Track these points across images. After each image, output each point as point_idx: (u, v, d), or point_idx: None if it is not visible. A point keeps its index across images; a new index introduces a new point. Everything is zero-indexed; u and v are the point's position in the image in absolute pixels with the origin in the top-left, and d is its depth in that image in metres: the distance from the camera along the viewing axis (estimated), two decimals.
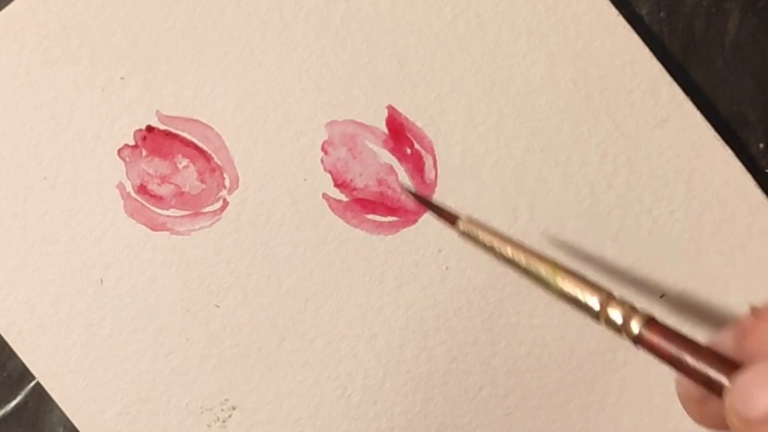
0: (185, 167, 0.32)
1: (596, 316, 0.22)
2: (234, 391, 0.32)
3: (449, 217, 0.26)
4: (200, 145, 0.32)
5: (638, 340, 0.21)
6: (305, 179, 0.32)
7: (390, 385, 0.32)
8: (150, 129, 0.32)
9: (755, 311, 0.20)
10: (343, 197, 0.32)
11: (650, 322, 0.21)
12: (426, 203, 0.29)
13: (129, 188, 0.32)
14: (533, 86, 0.32)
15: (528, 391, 0.32)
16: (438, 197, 0.32)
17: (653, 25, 0.32)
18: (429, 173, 0.32)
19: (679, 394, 0.19)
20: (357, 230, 0.32)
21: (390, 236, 0.32)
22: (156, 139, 0.32)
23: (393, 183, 0.32)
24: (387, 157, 0.32)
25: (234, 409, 0.32)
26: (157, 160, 0.32)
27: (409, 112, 0.32)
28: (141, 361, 0.31)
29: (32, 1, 0.31)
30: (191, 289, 0.31)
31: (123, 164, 0.32)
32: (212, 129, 0.32)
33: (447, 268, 0.32)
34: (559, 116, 0.32)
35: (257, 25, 0.32)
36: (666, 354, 0.20)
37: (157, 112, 0.32)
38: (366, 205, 0.32)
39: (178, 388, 0.31)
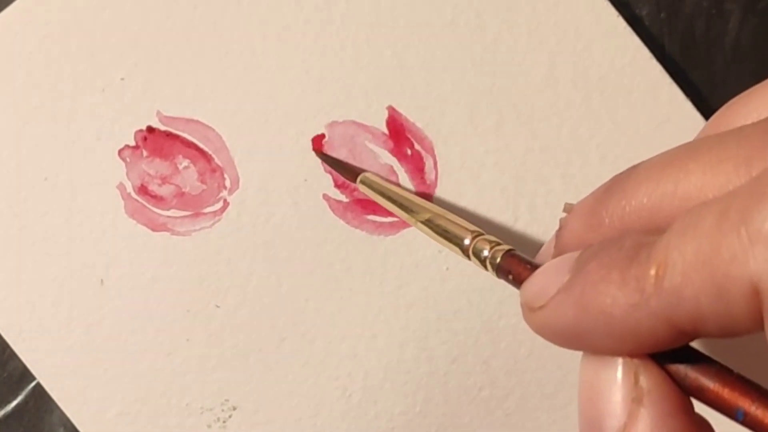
0: (186, 168, 0.32)
1: (465, 250, 0.25)
2: (234, 392, 0.32)
3: (352, 173, 0.30)
4: (201, 145, 0.32)
5: (499, 270, 0.23)
6: (306, 180, 0.32)
7: (390, 385, 0.32)
8: (150, 129, 0.32)
9: (569, 207, 0.21)
10: (343, 198, 0.32)
11: (509, 252, 0.23)
12: (328, 160, 0.31)
13: (129, 189, 0.32)
14: (533, 87, 0.32)
15: (528, 392, 0.32)
16: (438, 197, 0.32)
17: (653, 26, 0.32)
18: (429, 174, 0.32)
19: (522, 300, 0.20)
20: (357, 231, 0.32)
21: (390, 237, 0.32)
22: (156, 140, 0.32)
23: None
24: (387, 158, 0.32)
25: (234, 409, 0.32)
26: (157, 160, 0.32)
27: (409, 112, 0.32)
28: (141, 361, 0.31)
29: (32, 1, 0.31)
30: (191, 290, 0.32)
31: (123, 165, 0.32)
32: (213, 130, 0.32)
33: (447, 268, 0.32)
34: (559, 117, 0.32)
35: (257, 26, 0.32)
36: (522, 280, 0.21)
37: (158, 112, 0.32)
38: (366, 205, 0.32)
39: (178, 389, 0.31)
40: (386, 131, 0.32)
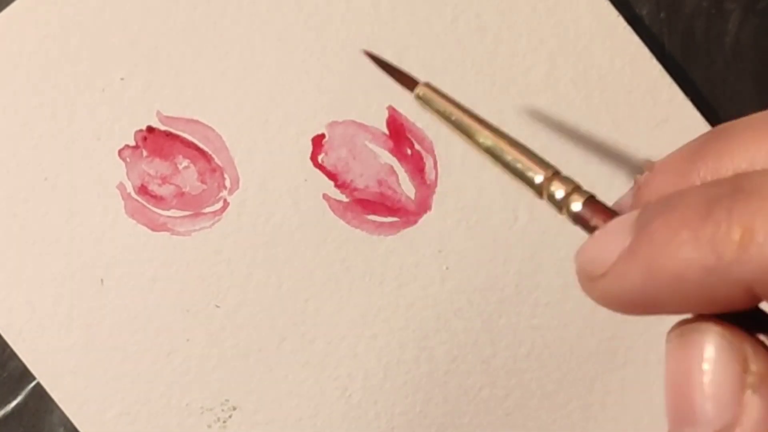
0: (186, 168, 0.32)
1: (539, 190, 0.22)
2: (234, 392, 0.32)
3: (408, 82, 0.26)
4: (201, 145, 0.32)
5: (576, 218, 0.20)
6: (306, 180, 0.32)
7: (390, 385, 0.32)
8: (150, 129, 0.32)
9: (649, 165, 0.19)
10: (343, 198, 0.32)
11: (590, 199, 0.20)
12: (383, 65, 0.28)
13: (129, 189, 0.32)
14: (533, 87, 0.32)
15: (528, 392, 0.32)
16: (438, 198, 0.32)
17: (653, 25, 0.32)
18: (429, 174, 0.32)
19: (578, 269, 0.18)
20: (357, 231, 0.32)
21: (390, 237, 0.32)
22: (156, 140, 0.32)
23: (393, 184, 0.32)
24: (387, 158, 0.32)
25: (234, 409, 0.32)
26: (157, 160, 0.32)
27: (409, 112, 0.32)
28: (141, 361, 0.31)
29: (32, 1, 0.31)
30: (191, 290, 0.32)
31: (123, 165, 0.32)
32: (213, 130, 0.32)
33: (447, 268, 0.32)
34: (559, 117, 0.32)
35: (257, 26, 0.32)
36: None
37: (158, 112, 0.32)
38: (366, 205, 0.32)
39: (178, 389, 0.31)
40: (386, 131, 0.32)
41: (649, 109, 0.31)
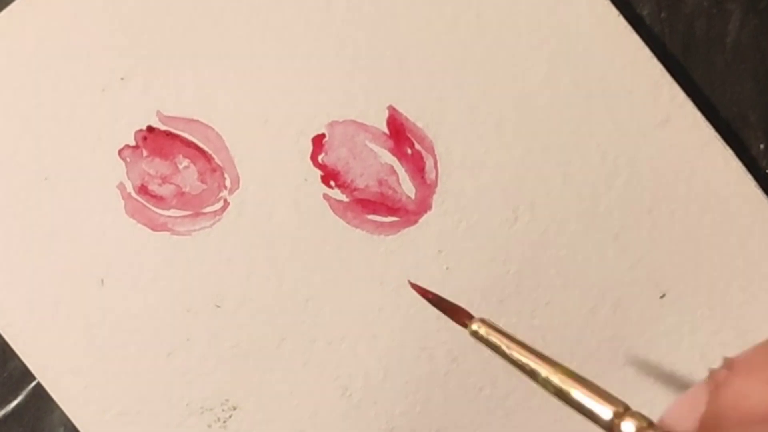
0: (186, 167, 0.32)
1: (609, 428, 0.21)
2: (234, 391, 0.32)
3: (462, 317, 0.25)
4: (201, 145, 0.32)
5: None
6: (306, 180, 0.32)
7: (390, 385, 0.32)
8: (150, 129, 0.32)
9: (729, 362, 0.18)
10: (343, 198, 0.32)
11: None
12: (438, 303, 0.26)
13: (129, 188, 0.32)
14: (534, 86, 0.32)
15: (528, 392, 0.32)
16: (438, 197, 0.32)
17: (654, 25, 0.32)
18: (430, 173, 0.32)
19: None
20: (357, 230, 0.32)
21: (390, 237, 0.32)
22: (157, 140, 0.32)
23: (393, 183, 0.32)
24: (387, 158, 0.32)
25: (234, 409, 0.32)
26: (157, 160, 0.32)
27: (409, 112, 0.32)
28: (141, 361, 0.31)
29: (32, 1, 0.31)
30: (192, 289, 0.32)
31: (123, 164, 0.32)
32: (213, 129, 0.32)
33: (447, 268, 0.32)
34: (559, 116, 0.32)
35: (257, 26, 0.32)
36: None
37: (158, 112, 0.32)
38: (367, 205, 0.32)
39: (178, 388, 0.31)
40: (386, 131, 0.32)
41: (650, 109, 0.31)
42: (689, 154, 0.31)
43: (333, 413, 0.32)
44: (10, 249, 0.31)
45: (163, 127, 0.32)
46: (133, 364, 0.31)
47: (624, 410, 0.20)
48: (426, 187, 0.32)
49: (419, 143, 0.32)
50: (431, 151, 0.32)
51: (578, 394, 0.22)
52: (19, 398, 0.32)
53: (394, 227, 0.32)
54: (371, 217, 0.32)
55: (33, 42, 0.31)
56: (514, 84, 0.32)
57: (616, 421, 0.20)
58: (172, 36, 0.32)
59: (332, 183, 0.32)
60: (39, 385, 0.31)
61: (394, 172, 0.32)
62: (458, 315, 0.25)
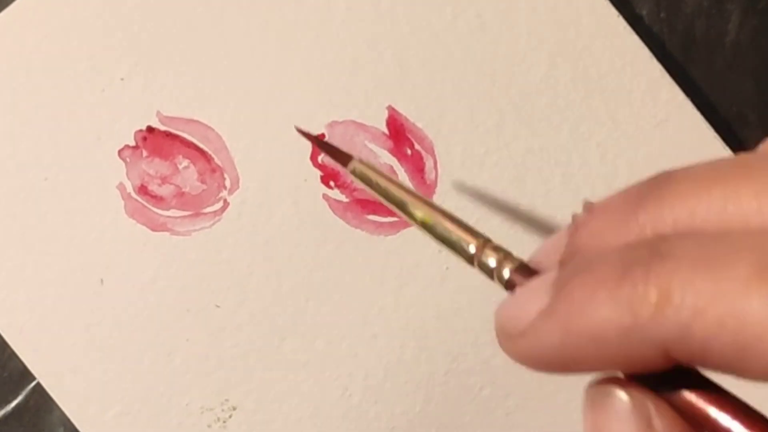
0: (186, 168, 0.32)
1: (470, 259, 0.22)
2: (234, 391, 0.32)
3: (342, 158, 0.26)
4: (201, 145, 0.32)
5: (508, 285, 0.21)
6: (306, 180, 0.32)
7: (390, 385, 0.32)
8: (150, 129, 0.32)
9: (589, 205, 0.19)
10: (343, 198, 0.32)
11: (522, 266, 0.21)
12: (318, 143, 0.29)
13: (129, 189, 0.32)
14: (533, 86, 0.32)
15: (528, 391, 0.32)
16: (438, 198, 0.32)
17: (653, 25, 0.32)
18: (429, 174, 0.32)
19: (497, 327, 0.18)
20: (357, 230, 0.32)
21: (390, 236, 0.32)
22: (156, 140, 0.32)
23: None
24: (387, 158, 0.32)
25: (234, 409, 0.32)
26: (157, 160, 0.32)
27: (409, 112, 0.32)
28: (141, 361, 0.31)
29: (32, 1, 0.31)
30: (191, 289, 0.32)
31: (123, 165, 0.32)
32: (213, 130, 0.32)
33: (447, 268, 0.32)
34: (559, 116, 0.32)
35: (257, 26, 0.32)
36: None
37: (158, 112, 0.32)
38: (366, 205, 0.32)
39: (178, 388, 0.31)
40: (386, 131, 0.32)
41: (649, 109, 0.31)
42: (688, 154, 0.31)
43: (333, 413, 0.32)
44: (10, 249, 0.31)
45: (163, 128, 0.32)
46: (133, 364, 0.31)
47: (485, 242, 0.22)
48: (426, 187, 0.32)
49: (419, 143, 0.32)
50: (431, 151, 0.32)
51: (443, 228, 0.23)
52: (19, 398, 0.32)
53: (394, 227, 0.32)
54: (371, 217, 0.32)
55: (33, 42, 0.31)
56: (514, 84, 0.32)
57: (478, 253, 0.22)
58: (172, 36, 0.32)
59: (332, 183, 0.32)
60: (39, 385, 0.31)
61: (394, 172, 0.32)
62: (341, 157, 0.26)
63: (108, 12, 0.32)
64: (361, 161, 0.25)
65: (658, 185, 0.17)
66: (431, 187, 0.32)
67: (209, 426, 0.32)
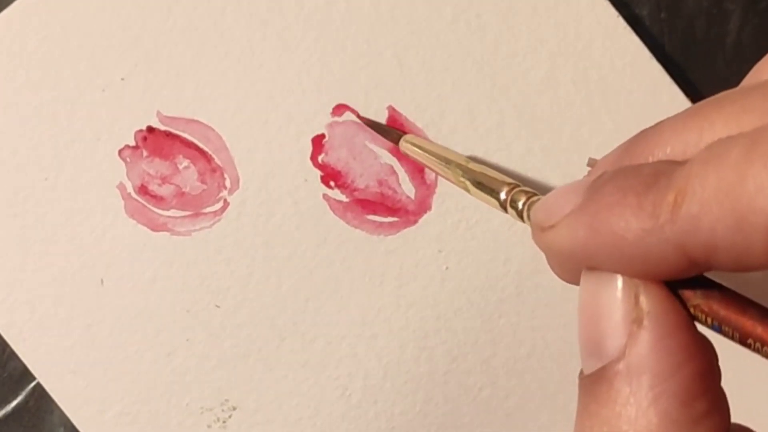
0: (186, 168, 0.32)
1: (503, 204, 0.25)
2: (234, 392, 0.32)
3: (394, 136, 0.31)
4: (201, 145, 0.32)
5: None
6: (306, 180, 0.32)
7: (390, 385, 0.32)
8: (151, 130, 0.32)
9: (593, 161, 0.21)
10: (343, 198, 0.32)
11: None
12: (373, 124, 0.31)
13: (129, 189, 0.32)
14: (533, 87, 0.32)
15: (528, 392, 0.32)
16: (438, 198, 0.32)
17: (653, 25, 0.32)
18: (429, 174, 0.32)
19: (532, 220, 0.20)
20: (357, 231, 0.32)
21: (390, 237, 0.32)
22: (157, 140, 0.32)
23: (393, 184, 0.32)
24: (387, 158, 0.32)
25: (234, 409, 0.32)
26: (157, 160, 0.32)
27: (409, 112, 0.32)
28: (141, 361, 0.31)
29: (32, 1, 0.31)
30: (191, 290, 0.32)
31: (123, 165, 0.32)
32: (213, 130, 0.32)
33: (447, 268, 0.32)
34: (559, 117, 0.32)
35: (257, 26, 0.32)
36: None
37: (158, 112, 0.32)
38: (366, 205, 0.32)
39: (178, 389, 0.31)
40: None
41: (649, 109, 0.31)
42: None
43: (333, 413, 0.32)
44: (10, 249, 0.31)
45: (163, 128, 0.32)
46: (133, 364, 0.31)
47: (513, 187, 0.25)
48: (426, 187, 0.32)
49: None
50: None
51: (479, 177, 0.27)
52: (19, 398, 0.32)
53: (393, 227, 0.32)
54: (371, 217, 0.32)
55: (33, 42, 0.31)
56: (514, 85, 0.32)
57: (507, 197, 0.25)
58: (172, 36, 0.32)
59: (332, 183, 0.32)
60: (39, 385, 0.31)
61: (393, 172, 0.32)
62: (389, 135, 0.31)
63: (108, 12, 0.31)
64: (409, 135, 0.31)
65: (646, 132, 0.19)
66: (431, 188, 0.32)
67: (209, 426, 0.32)
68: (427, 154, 0.29)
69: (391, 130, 0.31)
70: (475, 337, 0.32)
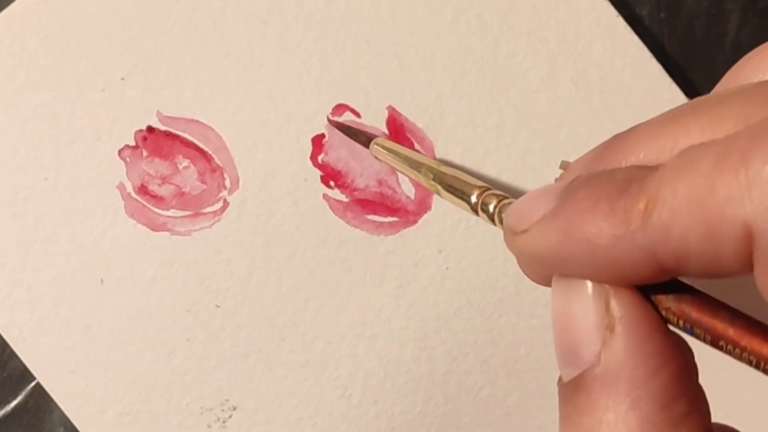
0: (186, 168, 0.32)
1: (474, 207, 0.24)
2: (234, 391, 0.32)
3: (363, 139, 0.31)
4: (201, 145, 0.32)
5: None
6: (306, 180, 0.32)
7: (390, 385, 0.32)
8: (150, 129, 0.32)
9: (565, 164, 0.21)
10: (343, 198, 0.32)
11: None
12: (343, 128, 0.31)
13: (129, 189, 0.32)
14: (533, 87, 0.32)
15: (528, 392, 0.32)
16: (438, 198, 0.32)
17: (653, 25, 0.32)
18: None
19: (505, 224, 0.20)
20: (357, 231, 0.32)
21: (390, 237, 0.32)
22: (156, 140, 0.32)
23: (393, 183, 0.32)
24: None
25: (234, 409, 0.32)
26: (157, 160, 0.32)
27: (409, 112, 0.32)
28: (141, 361, 0.31)
29: (32, 1, 0.31)
30: (191, 289, 0.32)
31: (123, 165, 0.32)
32: (213, 130, 0.32)
33: (447, 268, 0.32)
34: (559, 117, 0.32)
35: (257, 26, 0.32)
36: None
37: (158, 112, 0.32)
38: (366, 205, 0.32)
39: (178, 389, 0.31)
40: (386, 131, 0.32)
41: (649, 109, 0.31)
42: None
43: (333, 413, 0.32)
44: (10, 249, 0.31)
45: (163, 127, 0.32)
46: (133, 364, 0.31)
47: (484, 190, 0.24)
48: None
49: (419, 144, 0.32)
50: (431, 151, 0.32)
51: (450, 181, 0.27)
52: (19, 398, 0.32)
53: (393, 227, 0.32)
54: (371, 217, 0.32)
55: (33, 42, 0.31)
56: (513, 84, 0.32)
57: (478, 200, 0.24)
58: (172, 36, 0.32)
59: (332, 183, 0.32)
60: (39, 385, 0.31)
61: (393, 172, 0.32)
62: (361, 138, 0.31)
63: (108, 12, 0.32)
64: (381, 138, 0.30)
65: (621, 136, 0.18)
66: None
67: (209, 426, 0.32)
68: (397, 158, 0.29)
69: (360, 133, 0.31)
70: (475, 337, 0.32)
